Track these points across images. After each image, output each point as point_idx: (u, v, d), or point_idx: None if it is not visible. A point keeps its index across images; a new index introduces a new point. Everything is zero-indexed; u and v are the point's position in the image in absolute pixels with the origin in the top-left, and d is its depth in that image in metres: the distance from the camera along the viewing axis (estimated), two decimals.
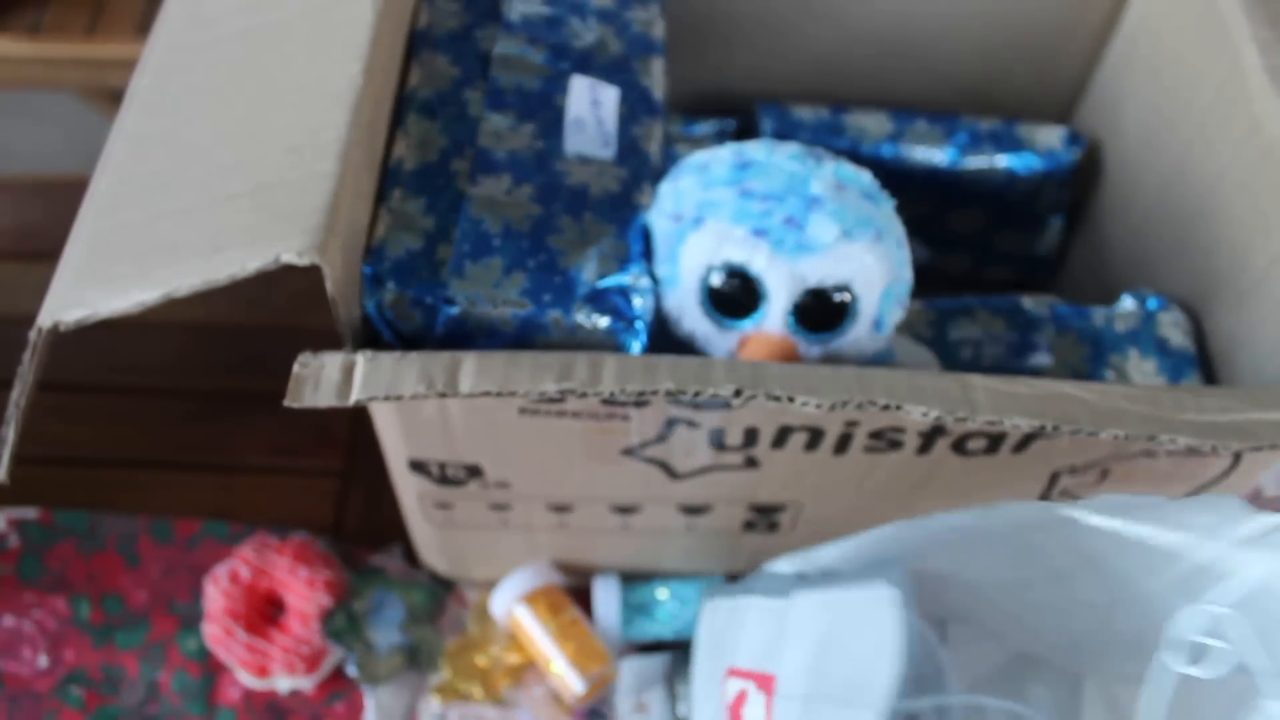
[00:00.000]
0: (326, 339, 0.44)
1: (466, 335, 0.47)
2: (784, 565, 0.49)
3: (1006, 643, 0.50)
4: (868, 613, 0.39)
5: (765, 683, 0.43)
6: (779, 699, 0.42)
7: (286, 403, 0.40)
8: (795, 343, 0.48)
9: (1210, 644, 0.23)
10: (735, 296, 0.48)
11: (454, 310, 0.46)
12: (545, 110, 0.53)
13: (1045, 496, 0.53)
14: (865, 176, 0.51)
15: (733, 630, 0.49)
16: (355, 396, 0.40)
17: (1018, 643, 0.51)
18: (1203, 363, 0.57)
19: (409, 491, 0.56)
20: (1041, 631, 0.49)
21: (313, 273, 0.40)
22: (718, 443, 0.49)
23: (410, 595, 0.64)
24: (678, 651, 0.62)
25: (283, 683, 0.62)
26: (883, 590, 0.39)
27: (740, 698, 0.44)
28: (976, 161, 0.68)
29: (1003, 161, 0.68)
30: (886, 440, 0.48)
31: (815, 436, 0.48)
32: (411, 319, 0.47)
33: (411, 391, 0.40)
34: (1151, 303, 0.59)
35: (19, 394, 0.39)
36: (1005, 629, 0.50)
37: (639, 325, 0.47)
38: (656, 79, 0.57)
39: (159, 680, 0.62)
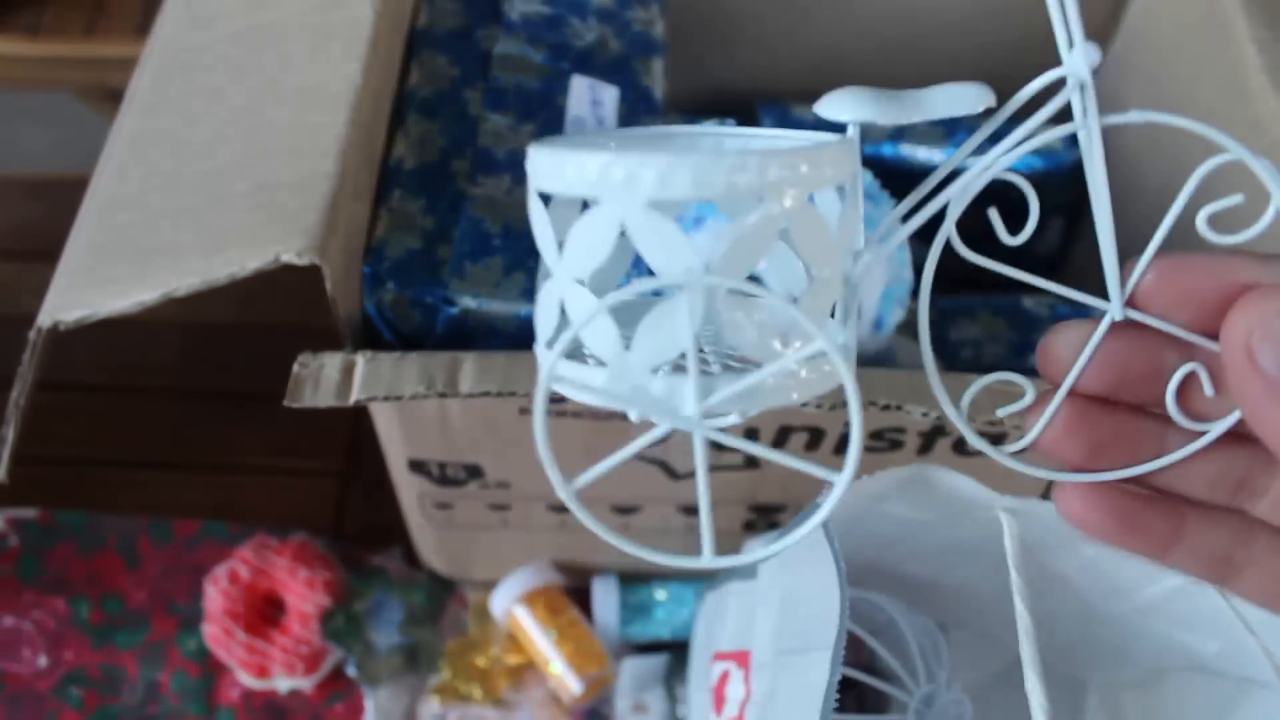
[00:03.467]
0: (326, 339, 0.44)
1: (466, 335, 0.47)
2: (757, 546, 0.49)
3: (1005, 647, 0.50)
4: (813, 560, 0.39)
5: (743, 659, 0.44)
6: (754, 669, 0.42)
7: (286, 403, 0.40)
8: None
9: None
10: None
11: (454, 310, 0.46)
12: (545, 110, 0.53)
13: (1047, 497, 0.53)
14: (866, 176, 0.51)
15: (718, 619, 0.50)
16: (355, 396, 0.40)
17: (1018, 646, 0.51)
18: None
19: (409, 491, 0.56)
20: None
21: (313, 273, 0.40)
22: (717, 443, 0.49)
23: (410, 596, 0.64)
24: (676, 652, 0.62)
25: (282, 683, 0.62)
26: (817, 535, 0.38)
27: (723, 678, 0.45)
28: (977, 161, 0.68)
29: (1003, 162, 0.68)
30: (887, 440, 0.48)
31: (815, 436, 0.48)
32: (411, 319, 0.47)
33: (411, 391, 0.40)
34: None
35: (19, 394, 0.39)
36: (1001, 634, 0.50)
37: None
38: (656, 79, 0.57)
39: (159, 680, 0.62)
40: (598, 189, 0.20)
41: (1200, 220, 0.24)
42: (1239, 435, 0.24)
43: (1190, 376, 0.24)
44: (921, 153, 0.68)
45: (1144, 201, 0.65)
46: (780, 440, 0.49)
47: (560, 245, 0.22)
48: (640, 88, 0.56)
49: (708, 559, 0.22)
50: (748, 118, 0.72)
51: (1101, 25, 0.70)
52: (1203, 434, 0.24)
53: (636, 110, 0.55)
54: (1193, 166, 0.65)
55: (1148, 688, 0.47)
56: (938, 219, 0.24)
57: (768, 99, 0.71)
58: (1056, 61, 0.22)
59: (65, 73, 1.24)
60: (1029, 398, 0.26)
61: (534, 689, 0.62)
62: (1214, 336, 0.23)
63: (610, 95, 0.55)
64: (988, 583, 0.45)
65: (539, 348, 0.23)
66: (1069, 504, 0.25)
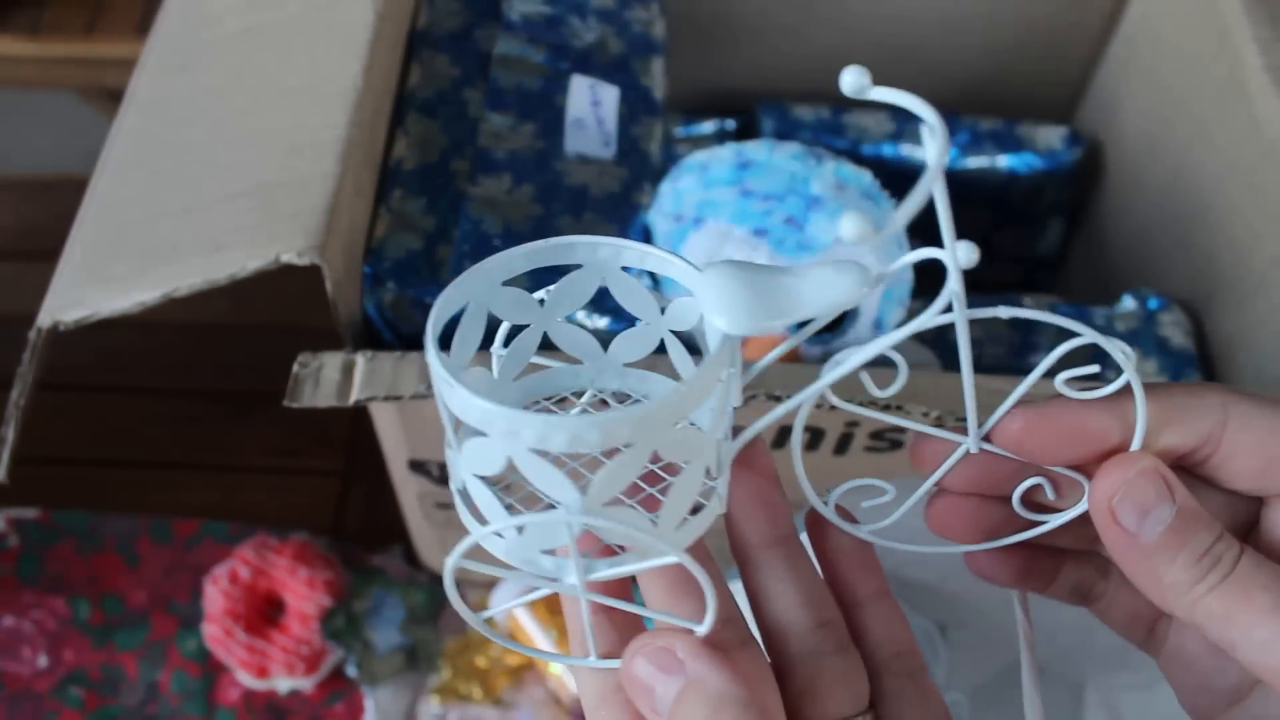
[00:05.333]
0: (326, 339, 0.44)
1: None
2: None
3: (1005, 649, 0.50)
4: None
5: None
6: None
7: (286, 403, 0.40)
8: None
9: None
10: None
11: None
12: (545, 110, 0.53)
13: None
14: (866, 176, 0.51)
15: None
16: (355, 396, 0.40)
17: (1017, 649, 0.51)
18: (1203, 363, 0.57)
19: (409, 491, 0.56)
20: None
21: (313, 273, 0.40)
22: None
23: (410, 595, 0.64)
24: None
25: (282, 683, 0.62)
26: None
27: None
28: (977, 161, 0.68)
29: (1003, 161, 0.68)
30: (887, 440, 0.48)
31: (816, 437, 0.48)
32: (411, 319, 0.47)
33: (411, 391, 0.40)
34: (1152, 303, 0.59)
35: (19, 394, 0.39)
36: (1001, 636, 0.50)
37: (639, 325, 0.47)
38: (656, 79, 0.57)
39: (159, 680, 0.62)
40: (485, 429, 0.23)
41: (1058, 382, 0.27)
42: None
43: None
44: (921, 152, 0.68)
45: (1144, 200, 0.65)
46: (780, 440, 0.49)
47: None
48: (640, 88, 0.56)
49: (593, 660, 0.26)
50: (747, 117, 0.72)
51: (1101, 25, 0.70)
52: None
53: (636, 110, 0.55)
54: (1193, 167, 0.65)
55: (1147, 690, 0.47)
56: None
57: (767, 99, 0.71)
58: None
59: (65, 73, 1.24)
60: (889, 496, 0.30)
61: (534, 689, 0.62)
62: (1070, 467, 0.27)
63: (610, 95, 0.55)
64: (988, 587, 0.45)
65: (454, 495, 0.26)
66: (980, 565, 0.30)
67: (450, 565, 0.25)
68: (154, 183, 0.45)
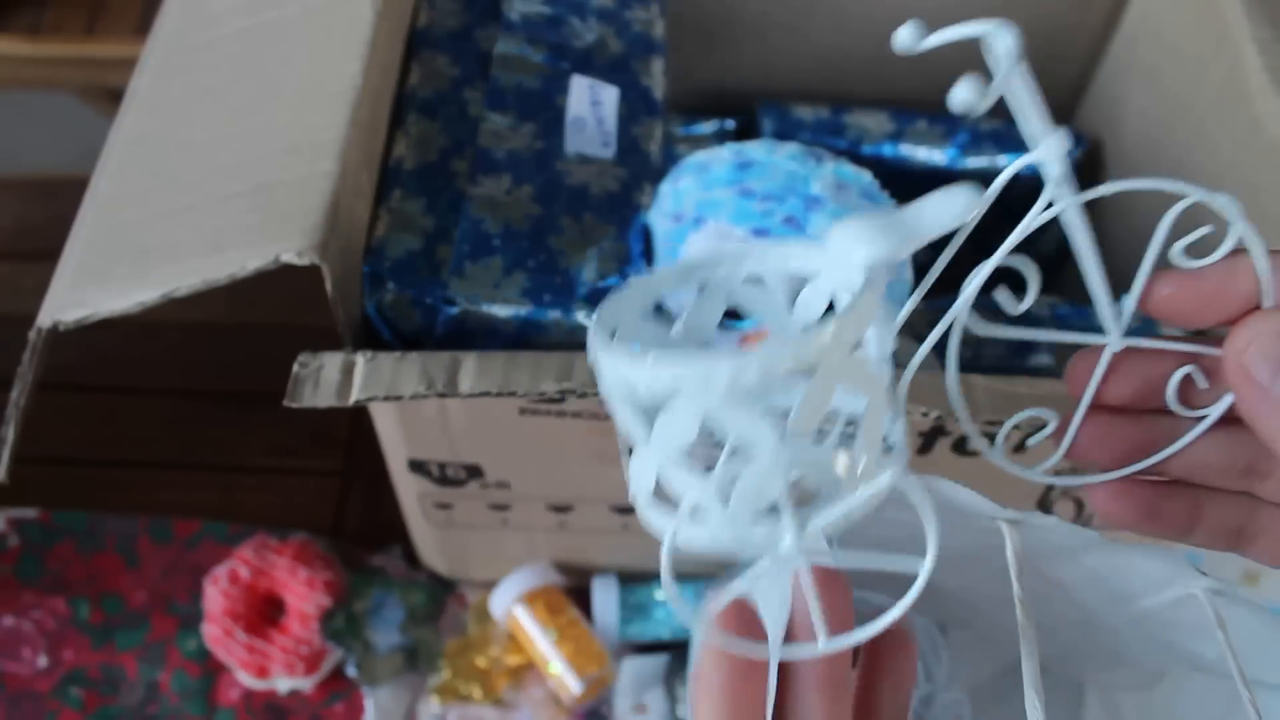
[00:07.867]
0: (326, 339, 0.44)
1: (466, 335, 0.47)
2: None
3: (1005, 648, 0.50)
4: None
5: None
6: None
7: (286, 403, 0.40)
8: None
9: None
10: None
11: (454, 310, 0.46)
12: (545, 110, 0.53)
13: (1045, 497, 0.53)
14: (865, 176, 0.51)
15: None
16: (355, 396, 0.40)
17: (1016, 649, 0.51)
18: None
19: (409, 491, 0.56)
20: None
21: (313, 273, 0.40)
22: (718, 443, 0.49)
23: (410, 595, 0.64)
24: (677, 652, 0.62)
25: (282, 683, 0.62)
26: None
27: None
28: (977, 161, 0.68)
29: (1003, 161, 0.68)
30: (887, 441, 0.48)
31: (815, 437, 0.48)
32: (411, 319, 0.47)
33: (411, 391, 0.40)
34: None
35: (19, 394, 0.39)
36: (1001, 636, 0.50)
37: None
38: (656, 79, 0.57)
39: (159, 680, 0.62)
40: (677, 387, 0.23)
41: (1175, 253, 0.28)
42: (1243, 428, 0.27)
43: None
44: (922, 152, 0.68)
45: (1146, 197, 0.65)
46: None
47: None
48: (640, 88, 0.56)
49: (821, 644, 0.26)
50: (747, 117, 0.72)
51: (1101, 25, 0.70)
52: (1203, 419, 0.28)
53: (636, 110, 0.55)
54: (1193, 167, 0.65)
55: (1146, 689, 0.47)
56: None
57: (768, 99, 0.71)
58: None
59: (65, 73, 1.24)
60: (1051, 427, 0.29)
61: (534, 689, 0.62)
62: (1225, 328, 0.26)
63: (610, 95, 0.55)
64: (988, 587, 0.45)
65: (636, 501, 0.26)
66: (1100, 502, 0.29)
67: (666, 556, 0.25)
68: (154, 183, 0.45)
